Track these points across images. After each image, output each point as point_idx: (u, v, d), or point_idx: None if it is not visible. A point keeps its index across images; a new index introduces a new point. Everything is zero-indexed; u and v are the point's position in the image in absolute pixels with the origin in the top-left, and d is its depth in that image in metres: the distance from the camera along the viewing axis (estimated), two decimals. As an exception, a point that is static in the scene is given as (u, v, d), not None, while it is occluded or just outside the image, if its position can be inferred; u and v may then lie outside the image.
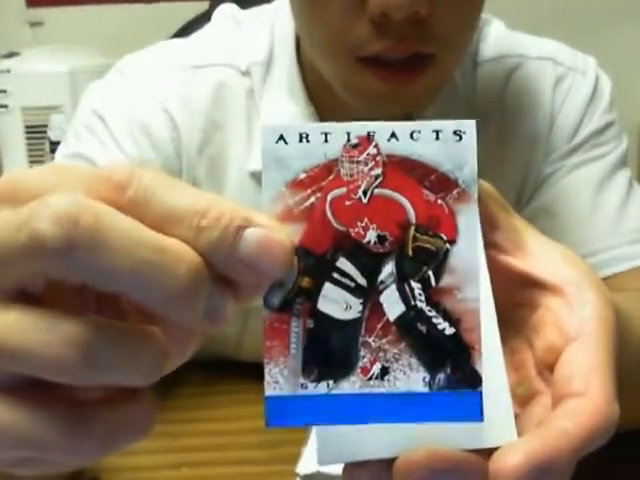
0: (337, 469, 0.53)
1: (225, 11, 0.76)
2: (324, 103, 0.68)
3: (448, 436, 0.29)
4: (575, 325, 0.32)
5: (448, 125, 0.28)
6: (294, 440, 0.55)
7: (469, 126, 0.28)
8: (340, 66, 0.60)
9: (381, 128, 0.29)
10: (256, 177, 0.69)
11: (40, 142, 1.90)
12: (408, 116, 0.67)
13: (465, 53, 0.67)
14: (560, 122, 0.74)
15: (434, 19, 0.56)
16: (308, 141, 0.28)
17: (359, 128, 0.29)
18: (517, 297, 0.35)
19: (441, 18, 0.56)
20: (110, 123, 0.69)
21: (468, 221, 0.29)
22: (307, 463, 0.53)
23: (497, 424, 0.30)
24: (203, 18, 0.99)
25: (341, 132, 0.28)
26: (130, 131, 0.69)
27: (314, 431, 0.30)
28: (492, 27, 0.76)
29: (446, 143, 0.28)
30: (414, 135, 0.28)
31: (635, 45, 2.16)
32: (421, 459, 0.28)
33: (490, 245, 0.34)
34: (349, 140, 0.28)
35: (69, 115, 1.81)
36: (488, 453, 0.29)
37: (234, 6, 0.76)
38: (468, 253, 0.29)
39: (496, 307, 0.32)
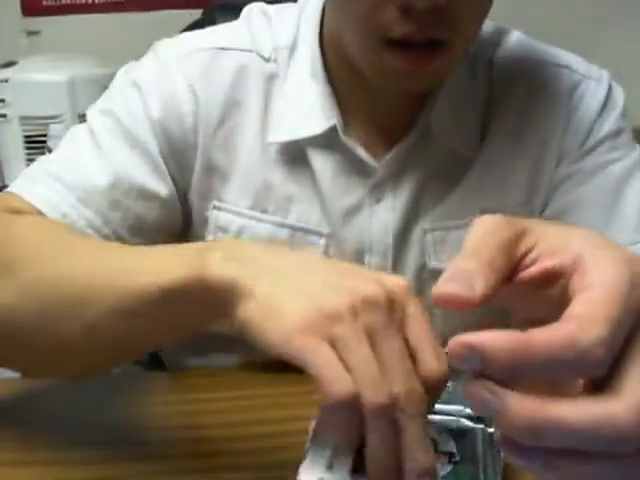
0: (338, 477, 0.53)
1: (254, 6, 0.80)
2: (342, 84, 0.74)
3: None
4: (586, 283, 0.34)
5: None
6: (296, 445, 0.55)
7: None
8: (370, 46, 0.66)
9: None
10: (269, 149, 0.74)
11: (40, 152, 1.89)
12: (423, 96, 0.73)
13: (475, 39, 0.71)
14: (574, 125, 0.76)
15: (451, 8, 0.62)
16: None
17: None
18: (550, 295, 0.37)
19: (457, 7, 0.63)
20: (143, 90, 0.73)
21: None
22: (308, 470, 0.53)
23: None
24: (197, 25, 1.00)
25: None
26: (160, 99, 0.73)
27: None
28: (512, 35, 0.79)
29: None
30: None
31: (631, 49, 2.16)
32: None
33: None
34: None
35: (68, 125, 1.81)
36: None
37: (263, 4, 0.81)
38: None
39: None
